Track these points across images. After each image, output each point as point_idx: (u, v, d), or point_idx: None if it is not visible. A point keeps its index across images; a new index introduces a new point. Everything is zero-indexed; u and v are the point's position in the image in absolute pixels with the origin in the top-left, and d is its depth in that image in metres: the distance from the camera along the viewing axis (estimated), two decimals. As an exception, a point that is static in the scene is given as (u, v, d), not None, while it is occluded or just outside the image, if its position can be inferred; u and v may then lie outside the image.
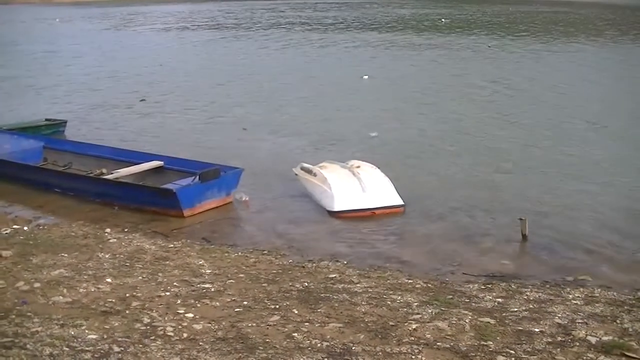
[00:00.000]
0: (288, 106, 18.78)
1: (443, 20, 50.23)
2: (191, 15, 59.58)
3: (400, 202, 10.42)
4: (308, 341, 5.78)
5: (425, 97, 20.06)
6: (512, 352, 5.62)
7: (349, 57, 29.98)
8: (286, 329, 6.03)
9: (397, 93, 20.80)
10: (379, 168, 11.07)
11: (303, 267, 8.02)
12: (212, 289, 7.07)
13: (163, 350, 5.55)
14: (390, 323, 6.19)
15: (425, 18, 53.07)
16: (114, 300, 6.64)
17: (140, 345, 5.62)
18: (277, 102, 19.32)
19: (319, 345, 5.71)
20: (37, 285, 7.01)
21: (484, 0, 75.61)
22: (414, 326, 6.11)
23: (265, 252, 8.63)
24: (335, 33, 41.39)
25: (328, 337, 5.87)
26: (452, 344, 5.76)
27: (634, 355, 5.55)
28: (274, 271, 7.79)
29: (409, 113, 17.77)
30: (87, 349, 5.50)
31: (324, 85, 22.48)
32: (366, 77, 23.50)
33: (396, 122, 16.59)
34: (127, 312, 6.36)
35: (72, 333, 5.80)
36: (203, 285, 7.17)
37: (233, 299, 6.79)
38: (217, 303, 6.67)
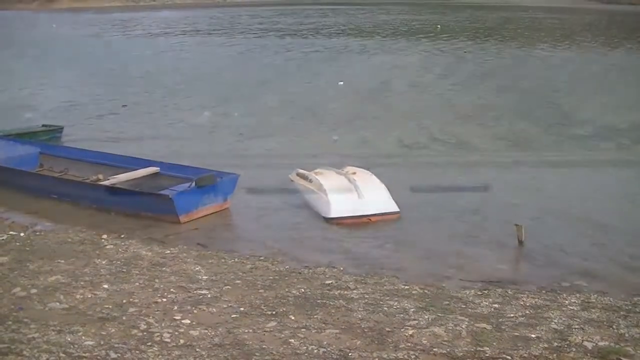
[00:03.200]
0: (268, 111, 18.88)
1: (439, 26, 50.33)
2: (181, 21, 59.67)
3: (396, 209, 10.44)
4: (304, 347, 5.79)
5: (395, 102, 20.20)
6: (509, 357, 5.63)
7: (331, 63, 30.07)
8: (283, 335, 6.03)
9: (368, 98, 20.91)
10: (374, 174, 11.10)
11: (299, 273, 8.03)
12: (209, 295, 7.07)
13: (160, 356, 5.55)
14: (387, 329, 6.19)
15: (406, 24, 53.28)
16: (110, 307, 6.64)
17: (137, 352, 5.62)
18: (258, 108, 19.40)
19: (315, 351, 5.71)
20: (33, 291, 7.00)
21: (480, 7, 75.87)
22: (410, 332, 6.12)
23: (261, 258, 8.63)
24: (319, 39, 41.56)
25: (325, 343, 5.87)
26: (448, 349, 5.76)
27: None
28: (271, 277, 7.79)
29: (378, 118, 17.86)
30: (83, 355, 5.50)
31: (300, 90, 22.61)
32: (341, 82, 23.63)
33: (365, 127, 16.68)
34: (123, 318, 6.36)
35: (69, 339, 5.79)
36: (200, 292, 7.17)
37: (230, 305, 6.79)
38: (214, 309, 6.67)
